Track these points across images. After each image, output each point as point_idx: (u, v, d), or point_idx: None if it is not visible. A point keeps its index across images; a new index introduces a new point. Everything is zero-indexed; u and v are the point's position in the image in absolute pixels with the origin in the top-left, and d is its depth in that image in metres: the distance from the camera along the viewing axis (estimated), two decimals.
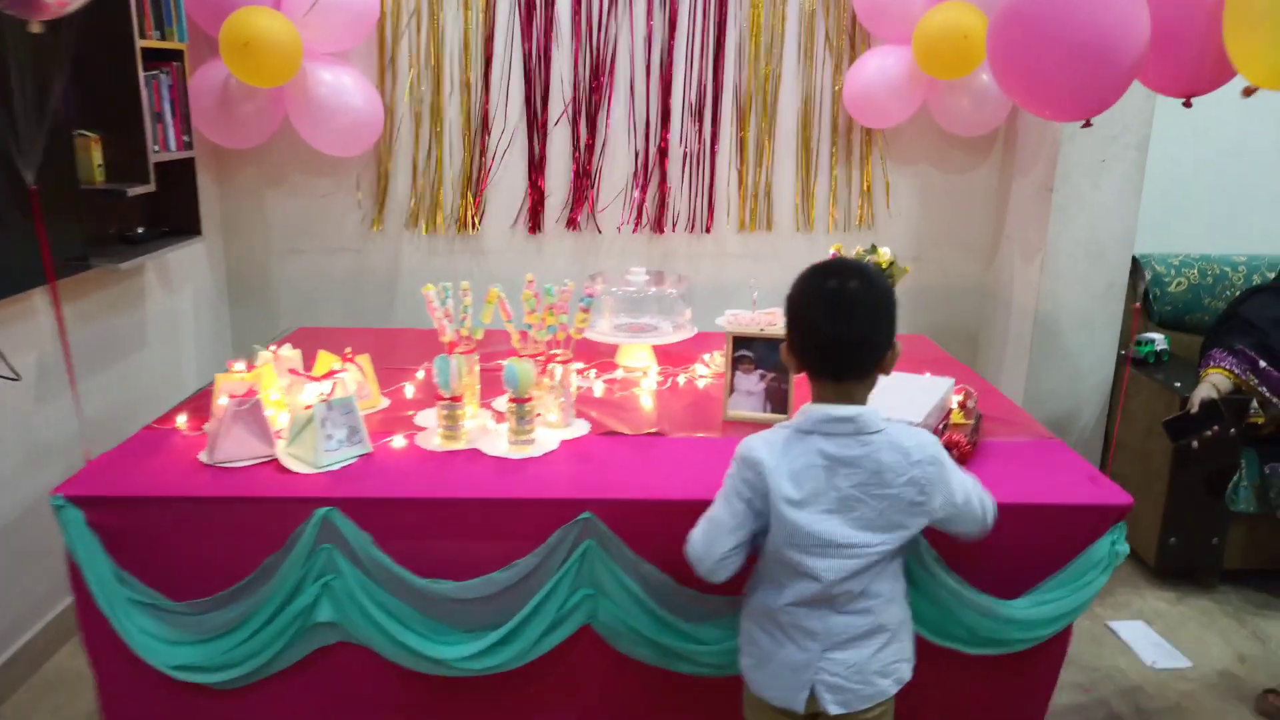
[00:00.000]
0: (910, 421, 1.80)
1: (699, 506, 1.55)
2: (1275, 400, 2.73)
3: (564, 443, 1.99)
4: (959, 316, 3.66)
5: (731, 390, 2.14)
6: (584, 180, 3.51)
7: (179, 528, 1.74)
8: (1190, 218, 3.58)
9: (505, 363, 1.90)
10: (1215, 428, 2.54)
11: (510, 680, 1.76)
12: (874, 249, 2.36)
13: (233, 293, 3.64)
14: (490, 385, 2.21)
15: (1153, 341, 3.18)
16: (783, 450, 1.48)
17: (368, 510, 1.73)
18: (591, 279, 2.57)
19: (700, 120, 3.48)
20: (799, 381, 2.00)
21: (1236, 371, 2.73)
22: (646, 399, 2.29)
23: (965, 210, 3.59)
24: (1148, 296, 3.33)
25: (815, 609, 1.50)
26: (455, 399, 1.93)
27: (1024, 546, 1.74)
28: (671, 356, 2.58)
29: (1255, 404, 2.80)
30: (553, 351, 2.07)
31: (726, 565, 1.52)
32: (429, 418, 2.11)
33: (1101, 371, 3.28)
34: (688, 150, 3.50)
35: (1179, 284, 3.36)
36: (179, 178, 3.01)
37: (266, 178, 3.52)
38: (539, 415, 2.06)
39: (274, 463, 1.85)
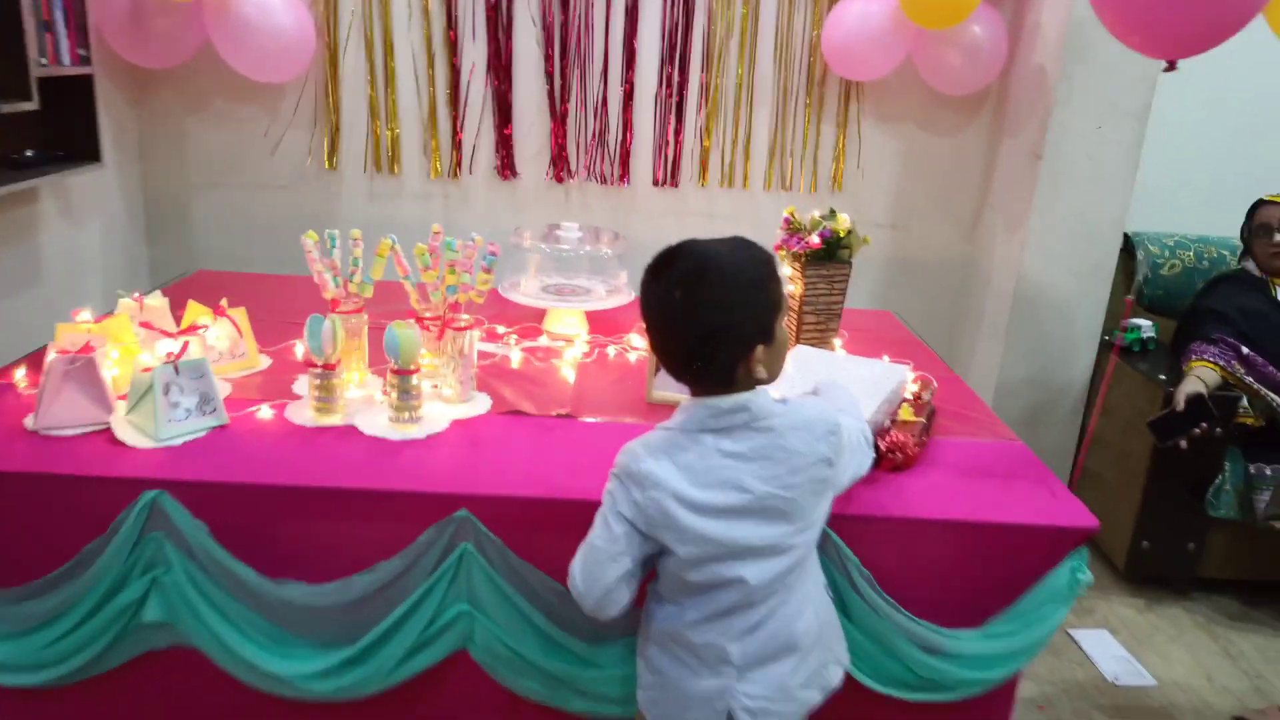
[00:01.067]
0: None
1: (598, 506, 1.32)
2: (1264, 391, 2.49)
3: (456, 423, 1.73)
4: (937, 293, 3.40)
5: (658, 369, 1.87)
6: (559, 125, 3.21)
7: None
8: (1188, 195, 3.30)
9: (389, 327, 1.64)
10: (1204, 425, 2.30)
11: (365, 710, 1.52)
12: (832, 214, 2.09)
13: (150, 228, 3.35)
14: (379, 355, 1.95)
15: (1139, 328, 2.93)
16: (673, 456, 1.25)
17: (206, 495, 1.47)
18: (516, 232, 2.30)
19: (671, 63, 3.17)
20: None
21: (1221, 363, 2.51)
22: (568, 372, 2.03)
23: (950, 175, 3.31)
24: (1136, 279, 3.08)
25: (730, 622, 1.28)
26: (329, 366, 1.67)
27: (971, 572, 1.50)
28: (606, 324, 2.31)
29: (1245, 400, 2.57)
30: (455, 317, 1.80)
31: (615, 599, 1.29)
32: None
33: (1082, 360, 3.03)
34: (658, 95, 3.19)
35: (1172, 266, 3.10)
36: (75, 96, 2.70)
37: (188, 102, 3.20)
38: (435, 388, 1.80)
39: (108, 432, 1.59)
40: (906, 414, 1.69)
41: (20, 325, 2.68)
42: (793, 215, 2.10)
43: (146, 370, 1.57)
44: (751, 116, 3.25)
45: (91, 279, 3.04)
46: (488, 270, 1.76)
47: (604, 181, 3.29)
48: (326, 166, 3.25)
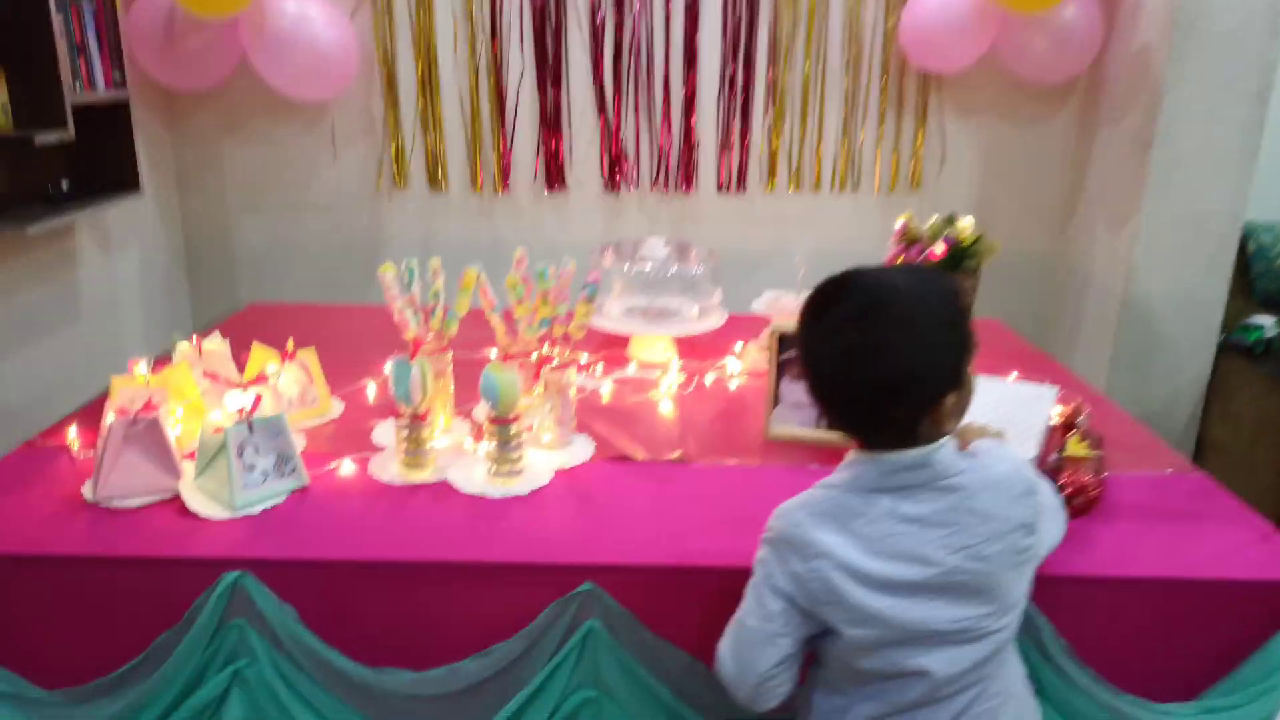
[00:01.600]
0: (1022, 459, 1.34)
1: (743, 573, 1.13)
2: None
3: (560, 474, 1.53)
4: (1025, 295, 3.17)
5: (776, 401, 1.68)
6: (614, 137, 3.02)
7: (47, 592, 1.30)
8: None
9: (485, 371, 1.44)
10: None
11: None
12: (951, 220, 1.88)
13: (190, 258, 3.18)
14: (468, 386, 1.76)
15: (1261, 328, 2.70)
16: (841, 521, 1.07)
17: (292, 574, 1.28)
18: (601, 253, 2.10)
19: (735, 61, 2.97)
20: None
21: None
22: (666, 405, 1.84)
23: (1035, 170, 3.08)
24: (1250, 273, 2.84)
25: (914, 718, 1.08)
26: (419, 417, 1.48)
27: (1181, 636, 1.29)
28: (697, 348, 2.11)
29: None
30: (548, 351, 1.61)
31: (773, 688, 1.10)
32: (390, 432, 1.66)
33: (1197, 364, 2.80)
34: (722, 95, 2.99)
35: None
36: (111, 123, 2.53)
37: (225, 124, 3.03)
38: (529, 431, 1.61)
39: (177, 501, 1.41)
40: (1077, 448, 1.48)
41: (61, 365, 2.52)
42: (910, 223, 1.89)
43: (218, 431, 1.39)
44: (822, 114, 3.04)
45: (132, 314, 2.88)
46: (589, 300, 1.57)
47: (664, 188, 3.09)
48: (381, 187, 3.07)
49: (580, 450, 1.61)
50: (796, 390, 1.66)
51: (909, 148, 3.07)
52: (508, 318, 1.68)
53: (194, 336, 1.73)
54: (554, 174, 3.07)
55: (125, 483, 1.40)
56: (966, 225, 1.85)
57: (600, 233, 3.12)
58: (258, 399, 1.46)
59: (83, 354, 2.61)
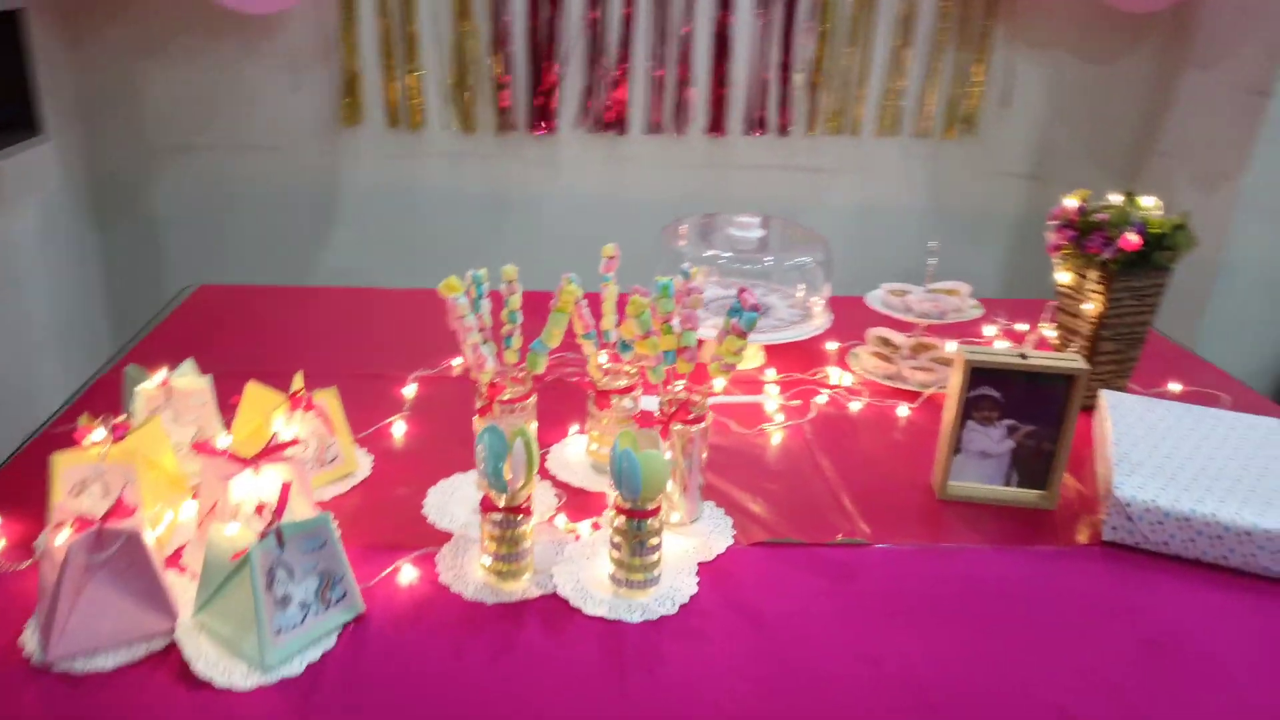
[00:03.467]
0: None
1: None
2: None
3: (702, 569, 1.12)
4: None
5: (957, 449, 1.29)
6: (620, 66, 2.52)
7: None
8: None
9: (618, 445, 1.01)
10: None
11: None
12: (1130, 198, 1.50)
13: (99, 213, 2.57)
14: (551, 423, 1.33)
15: None
16: None
17: None
18: (669, 229, 1.65)
19: None
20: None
21: None
22: (775, 436, 1.44)
23: (1104, 113, 2.73)
24: None
25: None
26: (520, 511, 1.04)
27: None
28: (787, 353, 1.70)
29: None
30: (671, 396, 1.18)
31: None
32: (445, 498, 1.21)
33: None
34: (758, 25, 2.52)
35: None
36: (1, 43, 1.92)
37: (138, 41, 2.41)
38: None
39: (174, 654, 0.95)
40: None
41: None
42: (1085, 203, 1.50)
43: (236, 556, 0.92)
44: (868, 47, 2.60)
45: (32, 293, 2.29)
46: (743, 334, 1.13)
47: (675, 131, 2.62)
48: (344, 122, 2.52)
49: (715, 532, 1.20)
50: (983, 436, 1.28)
51: (963, 85, 2.66)
52: (611, 351, 1.24)
53: (164, 376, 1.23)
54: (543, 115, 2.56)
55: (92, 633, 0.93)
56: (1154, 209, 1.47)
57: (594, 182, 2.64)
58: (285, 490, 0.99)
59: None
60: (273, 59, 2.45)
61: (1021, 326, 1.85)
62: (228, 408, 1.23)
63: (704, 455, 1.20)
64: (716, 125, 2.60)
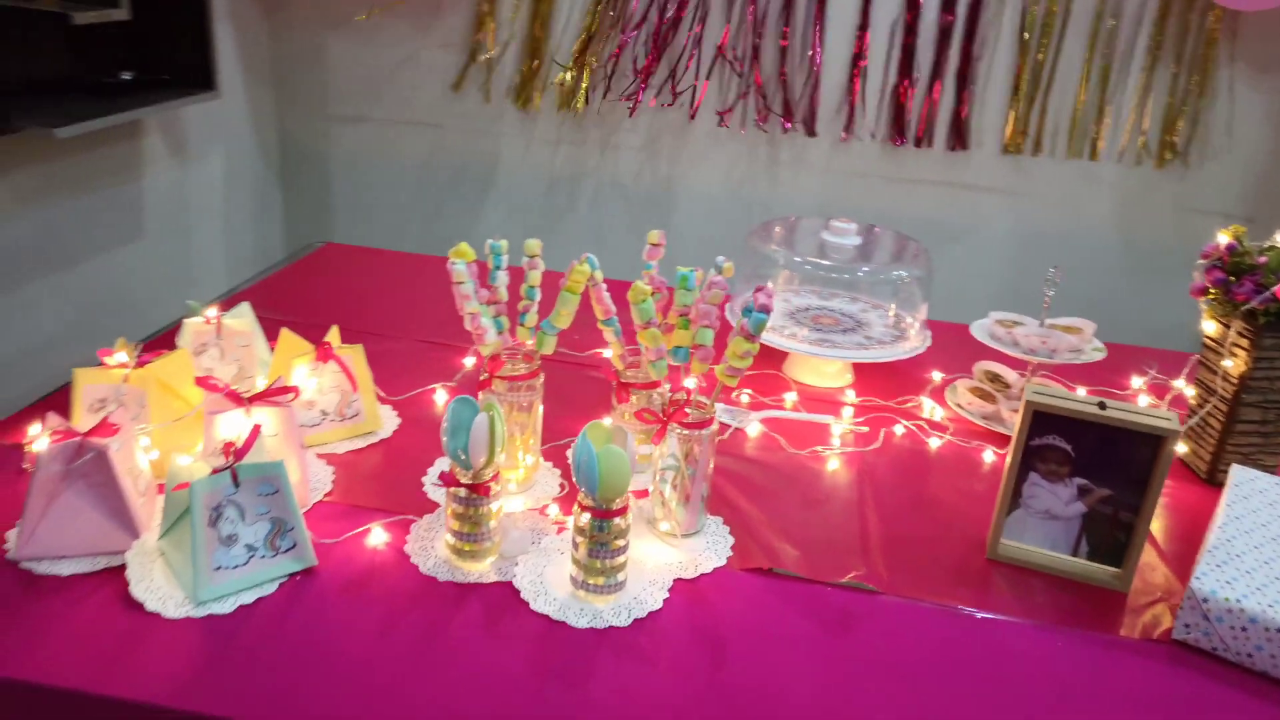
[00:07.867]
0: None
1: None
2: None
3: (679, 585, 1.03)
4: None
5: (1014, 504, 1.11)
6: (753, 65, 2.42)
7: None
8: None
9: (583, 436, 0.94)
10: None
11: None
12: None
13: (286, 171, 2.78)
14: (560, 412, 1.27)
15: None
16: None
17: None
18: (758, 231, 1.54)
19: None
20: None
21: None
22: (836, 465, 1.30)
23: None
24: None
25: None
26: (479, 489, 0.99)
27: None
28: (880, 377, 1.55)
29: None
30: (676, 394, 1.08)
31: None
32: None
33: None
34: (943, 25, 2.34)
35: None
36: (184, 4, 2.09)
37: (325, 14, 2.57)
38: (634, 515, 1.10)
39: (125, 571, 0.97)
40: None
41: (121, 289, 2.15)
42: (1241, 241, 1.26)
43: (180, 487, 0.93)
44: (1057, 59, 2.34)
45: (211, 235, 2.49)
46: (752, 337, 1.02)
47: (806, 131, 2.48)
48: (518, 105, 2.57)
49: (711, 547, 1.10)
50: (1049, 494, 1.09)
51: (1173, 108, 2.34)
52: (629, 337, 1.17)
53: (215, 308, 1.29)
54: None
55: (56, 538, 0.97)
56: None
57: (743, 180, 2.54)
58: (255, 431, 0.99)
59: (148, 277, 2.25)
60: (443, 36, 2.53)
61: (1178, 382, 1.60)
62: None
63: (710, 464, 1.10)
64: (898, 132, 2.43)
